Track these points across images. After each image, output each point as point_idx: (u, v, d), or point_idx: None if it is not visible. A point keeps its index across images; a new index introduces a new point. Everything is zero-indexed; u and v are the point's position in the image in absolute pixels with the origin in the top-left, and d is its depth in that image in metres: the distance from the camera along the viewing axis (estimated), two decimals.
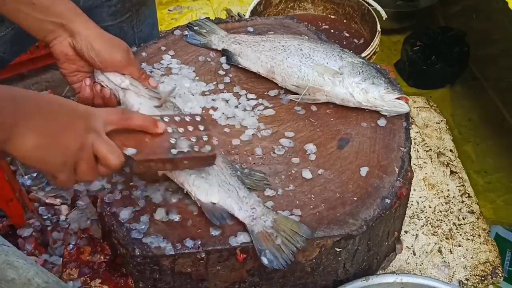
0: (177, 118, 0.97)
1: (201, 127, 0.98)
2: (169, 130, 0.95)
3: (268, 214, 0.99)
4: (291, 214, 1.03)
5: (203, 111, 1.22)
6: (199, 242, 0.99)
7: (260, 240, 0.96)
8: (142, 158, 0.89)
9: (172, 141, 0.93)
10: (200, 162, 0.96)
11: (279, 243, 0.96)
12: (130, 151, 0.89)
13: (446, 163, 1.59)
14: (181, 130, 0.96)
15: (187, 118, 0.98)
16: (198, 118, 0.99)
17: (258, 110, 1.24)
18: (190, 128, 0.96)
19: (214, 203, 1.00)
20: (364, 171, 1.12)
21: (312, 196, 1.07)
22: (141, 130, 0.92)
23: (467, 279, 1.33)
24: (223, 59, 1.35)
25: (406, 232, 1.39)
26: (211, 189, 1.01)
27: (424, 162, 1.59)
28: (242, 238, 0.99)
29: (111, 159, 0.85)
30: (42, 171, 0.85)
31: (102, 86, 1.12)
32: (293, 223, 0.99)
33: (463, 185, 1.53)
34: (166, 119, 0.96)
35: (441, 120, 1.75)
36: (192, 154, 0.93)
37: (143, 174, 0.99)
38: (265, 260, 0.95)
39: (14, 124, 0.76)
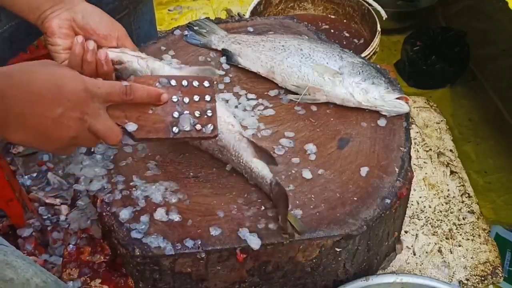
0: (184, 83, 0.93)
1: (208, 97, 0.94)
2: (174, 99, 0.92)
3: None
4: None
5: None
6: (199, 242, 0.99)
7: None
8: (141, 136, 0.89)
9: (175, 115, 0.91)
10: (200, 140, 0.97)
11: None
12: (131, 127, 0.88)
13: (446, 163, 1.59)
14: (186, 100, 0.93)
15: (195, 83, 0.94)
16: (206, 84, 0.95)
17: (258, 110, 1.24)
18: (196, 98, 0.93)
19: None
20: (364, 171, 1.12)
21: (312, 196, 1.07)
22: None
23: (467, 279, 1.33)
24: (223, 59, 1.35)
25: (406, 232, 1.39)
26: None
27: (424, 162, 1.59)
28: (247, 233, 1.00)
29: (109, 140, 0.88)
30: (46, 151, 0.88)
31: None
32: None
33: (463, 185, 1.53)
34: (173, 82, 0.93)
35: (441, 120, 1.75)
36: (192, 134, 0.92)
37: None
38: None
39: (4, 123, 0.77)
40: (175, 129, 0.91)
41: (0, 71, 0.79)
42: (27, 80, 0.80)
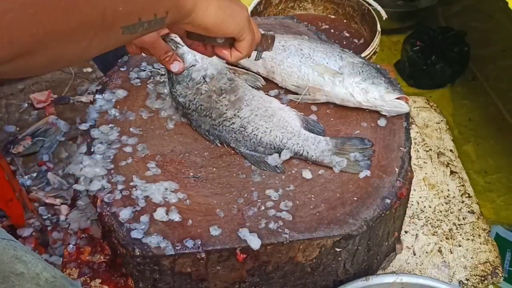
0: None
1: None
2: None
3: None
4: (291, 215, 1.03)
5: None
6: (199, 242, 0.99)
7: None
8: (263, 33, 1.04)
9: None
10: (273, 42, 1.07)
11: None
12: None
13: (446, 163, 1.59)
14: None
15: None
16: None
17: None
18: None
19: None
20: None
21: (312, 196, 1.07)
22: None
23: (467, 279, 1.33)
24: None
25: (406, 232, 1.39)
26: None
27: (424, 162, 1.59)
28: (246, 233, 1.00)
29: (257, 33, 0.97)
30: (227, 33, 0.89)
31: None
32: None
33: (463, 185, 1.53)
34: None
35: (441, 120, 1.75)
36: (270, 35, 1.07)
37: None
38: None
39: None
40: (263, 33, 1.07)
41: None
42: None
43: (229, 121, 1.15)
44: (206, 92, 1.17)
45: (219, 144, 1.17)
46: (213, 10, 0.82)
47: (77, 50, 0.63)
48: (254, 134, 1.14)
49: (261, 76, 1.30)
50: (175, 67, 1.14)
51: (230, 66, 1.23)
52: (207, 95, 1.17)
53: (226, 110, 1.16)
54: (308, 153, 1.12)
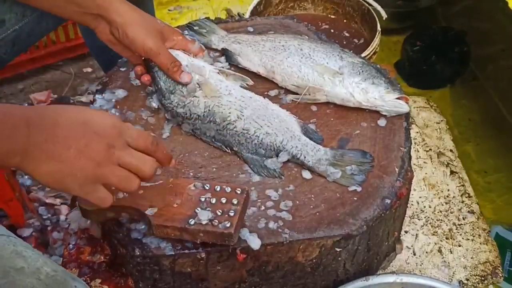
0: (217, 188, 0.97)
1: (235, 201, 0.95)
2: (202, 199, 0.96)
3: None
4: (290, 215, 1.03)
5: None
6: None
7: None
8: (159, 223, 0.93)
9: (197, 210, 0.94)
10: (216, 238, 0.94)
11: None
12: (150, 211, 0.93)
13: (446, 163, 1.59)
14: (213, 201, 0.95)
15: (228, 189, 0.97)
16: (238, 191, 0.97)
17: None
18: (223, 200, 0.95)
19: None
20: None
21: (312, 196, 1.07)
22: (174, 192, 0.96)
23: (467, 279, 1.33)
24: (222, 59, 1.35)
25: (406, 232, 1.39)
26: None
27: (424, 162, 1.59)
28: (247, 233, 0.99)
29: (144, 170, 0.84)
30: (69, 192, 0.84)
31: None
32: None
33: (463, 185, 1.53)
34: (207, 186, 0.97)
35: (441, 120, 1.75)
36: (207, 228, 0.92)
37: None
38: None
39: (25, 152, 0.75)
40: (191, 221, 0.93)
41: (31, 107, 0.80)
42: (55, 113, 0.79)
43: (233, 124, 1.15)
44: (200, 97, 1.17)
45: (228, 150, 1.15)
46: (44, 173, 0.77)
47: None
48: (256, 136, 1.13)
49: (260, 76, 1.30)
50: (185, 77, 1.14)
51: (217, 68, 1.22)
52: (203, 101, 1.17)
53: (229, 113, 1.15)
54: (305, 157, 1.11)
